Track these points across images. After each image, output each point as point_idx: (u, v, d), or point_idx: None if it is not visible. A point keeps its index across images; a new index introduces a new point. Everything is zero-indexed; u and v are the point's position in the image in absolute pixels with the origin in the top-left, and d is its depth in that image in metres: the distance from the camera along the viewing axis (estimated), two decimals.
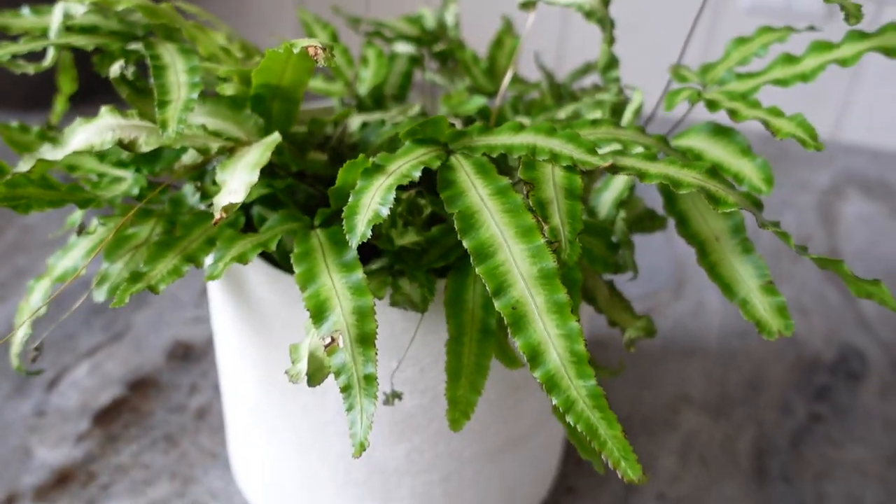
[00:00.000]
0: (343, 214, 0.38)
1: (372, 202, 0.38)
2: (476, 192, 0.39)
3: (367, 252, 0.46)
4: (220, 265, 0.41)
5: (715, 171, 0.40)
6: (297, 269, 0.40)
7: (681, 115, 0.47)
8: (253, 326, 0.49)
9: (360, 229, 0.37)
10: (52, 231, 0.92)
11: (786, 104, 0.45)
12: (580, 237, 0.45)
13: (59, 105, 0.58)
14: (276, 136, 0.42)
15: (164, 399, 0.72)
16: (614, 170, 0.40)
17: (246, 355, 0.52)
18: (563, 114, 0.54)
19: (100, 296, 0.43)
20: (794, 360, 0.83)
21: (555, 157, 0.40)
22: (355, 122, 0.56)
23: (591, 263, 0.45)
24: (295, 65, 0.43)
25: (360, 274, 0.39)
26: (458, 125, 0.54)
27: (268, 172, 0.48)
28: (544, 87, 0.62)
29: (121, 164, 0.48)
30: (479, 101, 0.54)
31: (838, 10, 1.16)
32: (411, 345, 0.47)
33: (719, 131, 0.47)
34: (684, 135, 0.49)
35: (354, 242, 0.37)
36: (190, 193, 0.47)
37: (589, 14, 0.49)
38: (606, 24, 0.51)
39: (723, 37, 1.24)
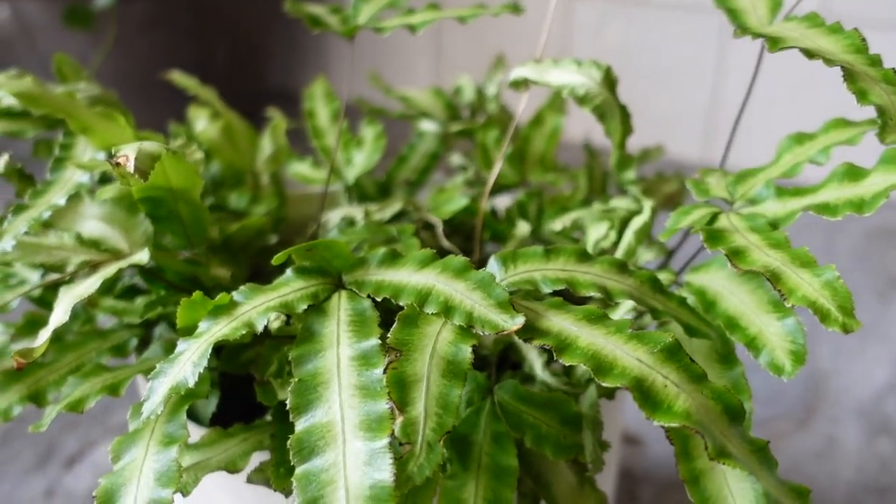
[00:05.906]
0: (149, 376, 0.29)
1: (186, 364, 0.29)
2: (336, 352, 0.29)
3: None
4: (53, 414, 0.34)
5: (677, 349, 0.27)
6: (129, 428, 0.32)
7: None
8: None
9: (154, 402, 0.28)
10: None
11: None
12: (521, 408, 0.34)
13: None
14: (140, 257, 0.35)
15: None
16: (527, 335, 0.28)
17: None
18: (560, 224, 0.41)
19: None
20: None
21: (448, 311, 0.29)
22: (335, 216, 0.48)
23: (536, 445, 0.33)
24: (172, 166, 0.35)
25: (173, 453, 0.30)
26: (440, 229, 0.44)
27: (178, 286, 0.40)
28: (582, 179, 0.49)
29: (34, 266, 0.43)
30: (459, 203, 0.43)
31: None
32: None
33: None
34: (702, 268, 0.35)
35: (144, 417, 0.28)
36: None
37: (583, 100, 0.37)
38: (613, 113, 0.38)
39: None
